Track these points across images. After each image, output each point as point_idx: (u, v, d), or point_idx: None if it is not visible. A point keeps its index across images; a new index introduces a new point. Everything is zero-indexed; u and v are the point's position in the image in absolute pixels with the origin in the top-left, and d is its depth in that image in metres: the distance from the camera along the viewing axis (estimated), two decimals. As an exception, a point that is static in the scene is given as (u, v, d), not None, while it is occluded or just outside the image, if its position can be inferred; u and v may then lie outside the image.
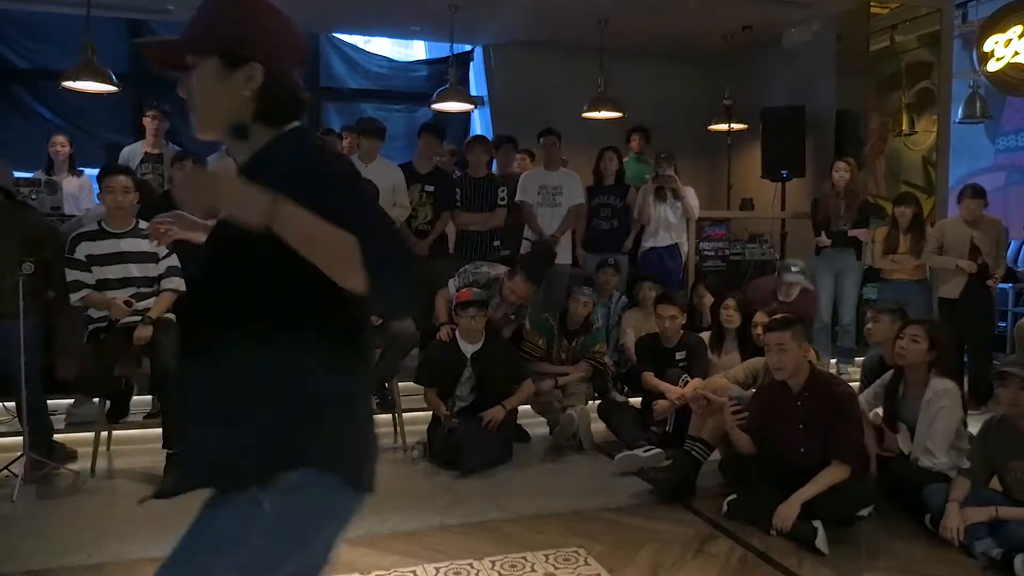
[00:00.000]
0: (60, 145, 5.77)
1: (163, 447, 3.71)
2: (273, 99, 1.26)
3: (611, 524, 3.23)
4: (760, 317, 4.12)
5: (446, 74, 6.48)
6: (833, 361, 5.82)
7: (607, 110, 6.54)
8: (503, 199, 5.40)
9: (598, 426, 4.40)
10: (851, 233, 5.63)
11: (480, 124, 8.05)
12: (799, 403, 3.21)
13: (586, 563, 2.84)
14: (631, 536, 3.10)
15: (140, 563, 2.81)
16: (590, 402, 4.55)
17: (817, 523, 2.96)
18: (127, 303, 3.79)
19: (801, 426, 3.18)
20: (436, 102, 6.30)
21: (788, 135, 6.96)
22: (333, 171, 1.21)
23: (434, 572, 2.74)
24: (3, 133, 6.99)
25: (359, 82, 8.17)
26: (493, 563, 2.82)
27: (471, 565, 2.79)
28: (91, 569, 2.78)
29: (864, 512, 3.11)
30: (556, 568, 2.79)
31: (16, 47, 7.28)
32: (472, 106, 6.89)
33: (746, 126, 7.37)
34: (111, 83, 5.45)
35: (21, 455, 3.63)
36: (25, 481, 3.55)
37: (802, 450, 3.17)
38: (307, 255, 1.12)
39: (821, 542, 2.93)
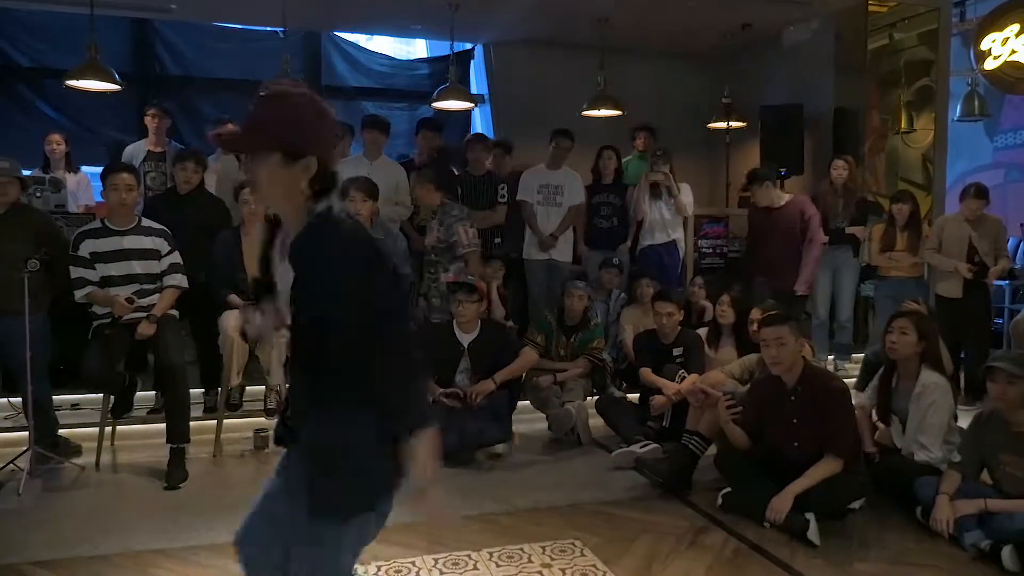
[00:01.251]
0: (56, 143, 5.81)
1: (167, 442, 3.77)
2: (322, 181, 1.52)
3: (607, 517, 3.28)
4: (756, 313, 4.17)
5: (447, 72, 6.52)
6: (830, 358, 5.86)
7: (607, 108, 6.58)
8: (503, 196, 5.44)
9: (596, 421, 4.45)
10: (848, 230, 5.66)
11: (481, 122, 8.09)
12: (792, 398, 3.25)
13: (582, 554, 2.89)
14: (627, 528, 3.15)
15: (145, 554, 2.87)
16: (588, 397, 4.60)
17: (810, 515, 3.02)
18: (129, 300, 3.84)
19: (794, 420, 3.22)
20: (437, 100, 6.34)
21: (787, 133, 7.00)
22: (353, 258, 1.48)
23: (432, 563, 2.79)
24: (6, 131, 7.03)
25: (360, 80, 8.21)
26: (491, 554, 2.87)
27: (469, 556, 2.84)
28: (98, 560, 2.83)
29: (856, 505, 3.17)
30: (552, 559, 2.84)
31: (20, 45, 7.33)
32: (473, 104, 6.93)
33: (745, 124, 7.40)
34: (114, 82, 5.50)
35: (27, 450, 3.69)
36: (31, 475, 3.61)
37: (795, 444, 3.22)
38: None
39: (813, 534, 2.98)
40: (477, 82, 8.14)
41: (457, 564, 2.78)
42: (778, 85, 7.48)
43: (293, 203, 1.52)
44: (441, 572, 2.73)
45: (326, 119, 1.55)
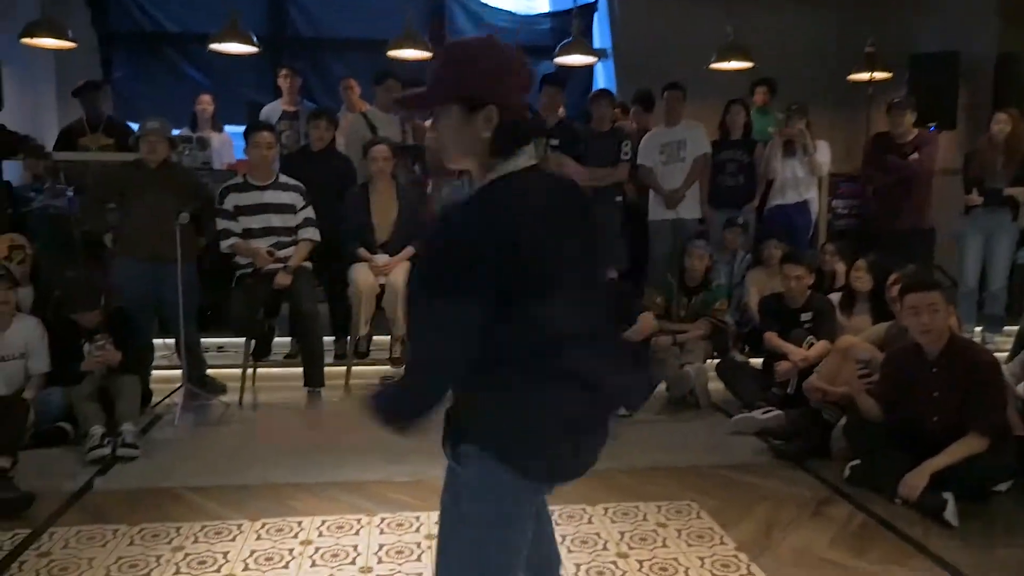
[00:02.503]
0: (205, 104, 6.23)
1: (304, 385, 4.02)
2: (508, 133, 1.41)
3: (725, 481, 3.22)
4: (897, 279, 3.92)
5: (569, 26, 6.40)
6: (978, 330, 5.44)
7: (736, 60, 6.27)
8: (626, 153, 5.33)
9: (716, 385, 4.36)
10: (1008, 191, 5.18)
11: (603, 78, 7.93)
12: (935, 369, 3.05)
13: (698, 516, 2.86)
14: (745, 493, 3.08)
15: (282, 487, 3.09)
16: (708, 360, 4.50)
17: (948, 495, 2.84)
18: (269, 252, 4.08)
19: (936, 394, 3.03)
20: (559, 55, 6.24)
21: (939, 84, 6.43)
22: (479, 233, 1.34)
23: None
24: (157, 93, 7.56)
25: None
26: (606, 509, 2.89)
27: (584, 510, 2.88)
28: (241, 489, 3.08)
29: (1002, 487, 2.96)
30: (668, 519, 2.83)
31: (169, 12, 7.81)
32: (596, 59, 6.78)
33: (890, 75, 6.86)
34: (252, 44, 5.77)
35: (180, 386, 4.04)
36: (183, 409, 3.95)
37: (935, 419, 3.02)
38: None
39: (951, 514, 2.80)
40: (600, 36, 7.96)
41: (572, 517, 2.82)
42: (930, 31, 6.87)
43: (478, 159, 1.43)
44: (556, 523, 2.77)
45: (509, 68, 1.43)
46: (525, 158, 1.43)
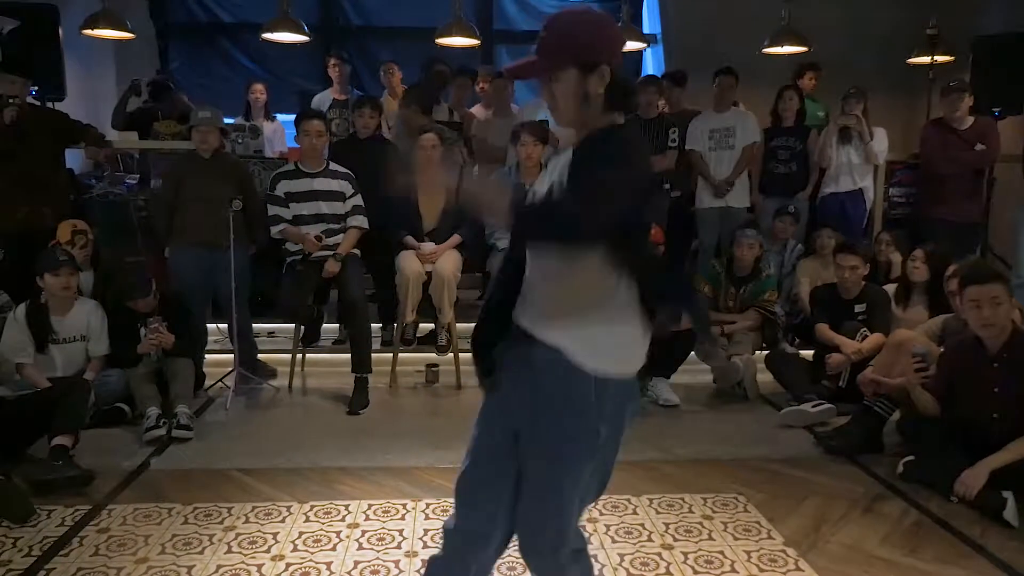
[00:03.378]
0: (259, 92, 6.34)
1: (352, 371, 4.07)
2: (617, 89, 1.55)
3: (773, 474, 3.17)
4: (954, 270, 3.79)
5: (619, 11, 6.32)
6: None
7: (790, 45, 6.10)
8: (674, 140, 5.25)
9: (765, 377, 4.28)
10: (1073, 178, 4.96)
11: (652, 64, 7.81)
12: (995, 364, 2.94)
13: (745, 510, 2.82)
14: (794, 487, 3.03)
15: (330, 470, 3.15)
16: (757, 352, 4.42)
17: (1007, 494, 2.75)
18: (318, 238, 4.14)
19: (996, 389, 2.92)
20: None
21: (1005, 67, 6.14)
22: (621, 163, 1.47)
23: (591, 504, 2.83)
24: (211, 81, 7.73)
25: (531, 24, 8.14)
26: (651, 500, 2.87)
27: (629, 501, 2.87)
28: (291, 472, 3.15)
29: (1065, 487, 2.84)
30: (714, 512, 2.80)
31: (223, 3, 7.95)
32: (645, 44, 6.68)
33: (952, 58, 6.60)
34: (303, 33, 5.84)
35: (232, 370, 4.14)
36: (235, 393, 4.05)
37: (995, 415, 2.92)
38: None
39: (1011, 514, 2.71)
40: (650, 21, 7.84)
41: (617, 507, 2.81)
42: (997, 12, 6.58)
43: (591, 117, 1.54)
44: (600, 513, 2.77)
45: (612, 27, 1.59)
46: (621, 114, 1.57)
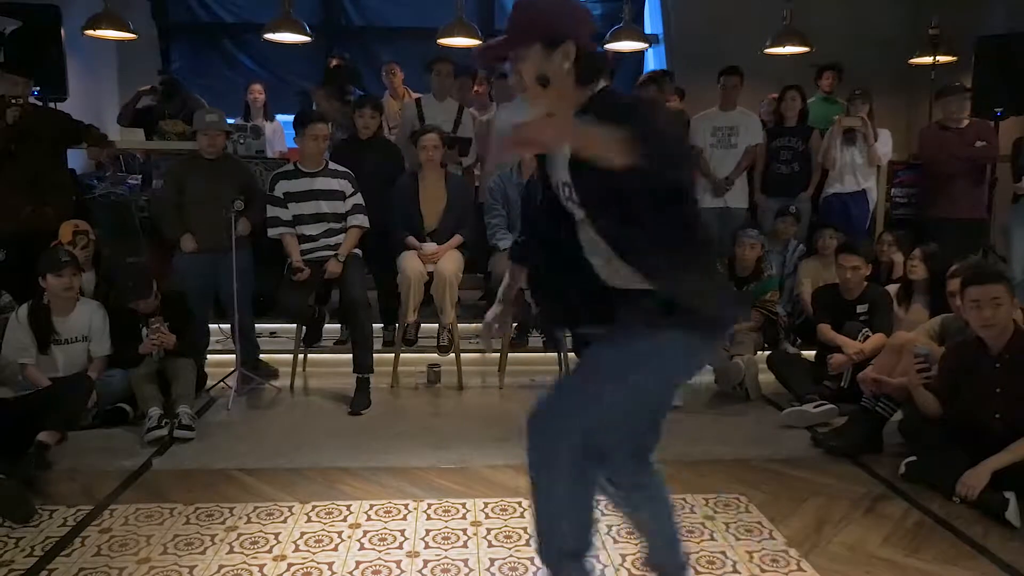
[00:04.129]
0: (258, 93, 6.35)
1: (353, 371, 4.07)
2: (585, 65, 1.63)
3: (775, 475, 3.17)
4: (955, 272, 3.78)
5: (620, 11, 6.32)
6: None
7: (792, 45, 6.10)
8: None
9: (766, 377, 4.28)
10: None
11: (654, 64, 7.81)
12: (998, 365, 2.94)
13: (747, 510, 2.82)
14: (796, 488, 3.03)
15: (331, 471, 3.15)
16: (759, 352, 4.42)
17: (1010, 494, 2.74)
18: (299, 269, 4.09)
19: (998, 390, 2.92)
20: (609, 42, 6.17)
21: (1007, 67, 6.13)
22: (641, 104, 1.72)
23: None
24: (213, 82, 7.74)
25: (532, 23, 8.17)
26: (652, 501, 2.87)
27: (630, 501, 2.86)
28: (292, 472, 3.15)
29: (1068, 487, 2.84)
30: (716, 512, 2.80)
31: (224, 3, 7.97)
32: (647, 45, 6.68)
33: (955, 58, 6.59)
34: (304, 33, 5.85)
35: (234, 370, 4.14)
36: (237, 393, 4.05)
37: (997, 415, 2.92)
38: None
39: (1012, 514, 2.71)
40: (651, 21, 7.84)
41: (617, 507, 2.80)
42: (999, 12, 6.57)
43: (563, 94, 1.64)
44: (602, 513, 2.76)
45: (577, 7, 1.69)
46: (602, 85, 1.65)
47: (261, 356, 4.54)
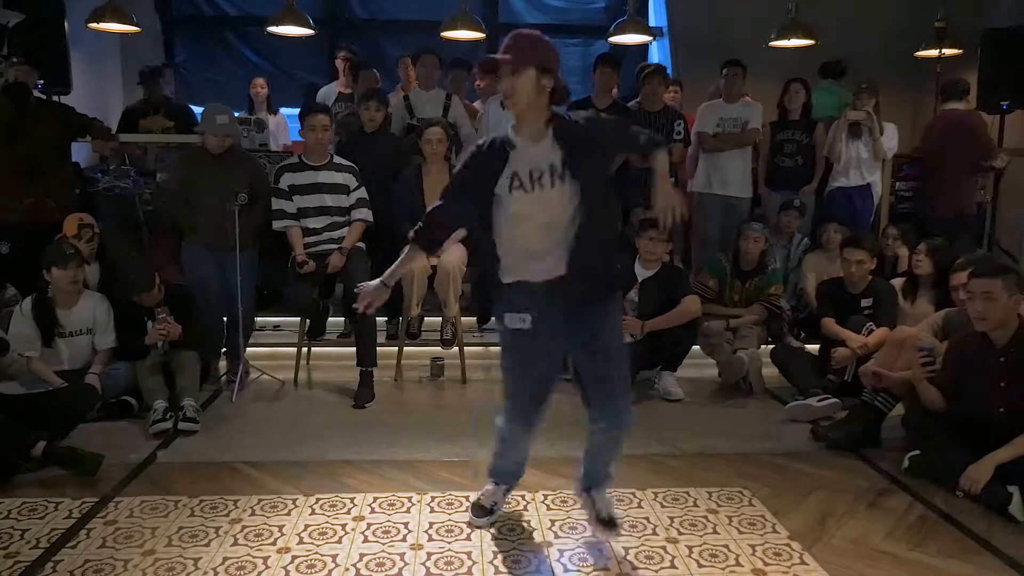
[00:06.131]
0: (260, 86, 6.34)
1: (357, 365, 4.08)
2: (558, 92, 2.28)
3: (779, 468, 3.17)
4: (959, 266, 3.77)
5: (624, 4, 6.29)
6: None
7: (797, 38, 6.06)
8: (679, 133, 5.24)
9: (770, 371, 4.28)
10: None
11: (659, 57, 7.78)
12: (1002, 359, 2.93)
13: (750, 504, 2.82)
14: (799, 482, 3.03)
15: (335, 463, 3.16)
16: (763, 346, 4.41)
17: (1013, 488, 2.74)
18: (304, 262, 4.11)
19: (1002, 384, 2.91)
20: (613, 35, 6.14)
21: (1014, 60, 6.10)
22: (593, 116, 2.43)
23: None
24: (217, 76, 7.73)
25: (536, 16, 8.13)
26: (656, 494, 2.87)
27: (634, 494, 2.87)
28: (296, 464, 3.15)
29: (1072, 481, 2.83)
30: (719, 506, 2.80)
31: (230, -4, 7.96)
32: (651, 38, 6.65)
33: (960, 51, 6.55)
34: (308, 26, 5.83)
35: (238, 363, 4.14)
36: (241, 387, 4.06)
37: (1001, 410, 2.91)
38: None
39: (1016, 509, 2.71)
40: (656, 14, 7.81)
41: (622, 501, 2.81)
42: (1004, 5, 6.52)
43: (538, 107, 2.26)
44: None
45: (555, 50, 2.30)
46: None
47: (266, 349, 4.54)
